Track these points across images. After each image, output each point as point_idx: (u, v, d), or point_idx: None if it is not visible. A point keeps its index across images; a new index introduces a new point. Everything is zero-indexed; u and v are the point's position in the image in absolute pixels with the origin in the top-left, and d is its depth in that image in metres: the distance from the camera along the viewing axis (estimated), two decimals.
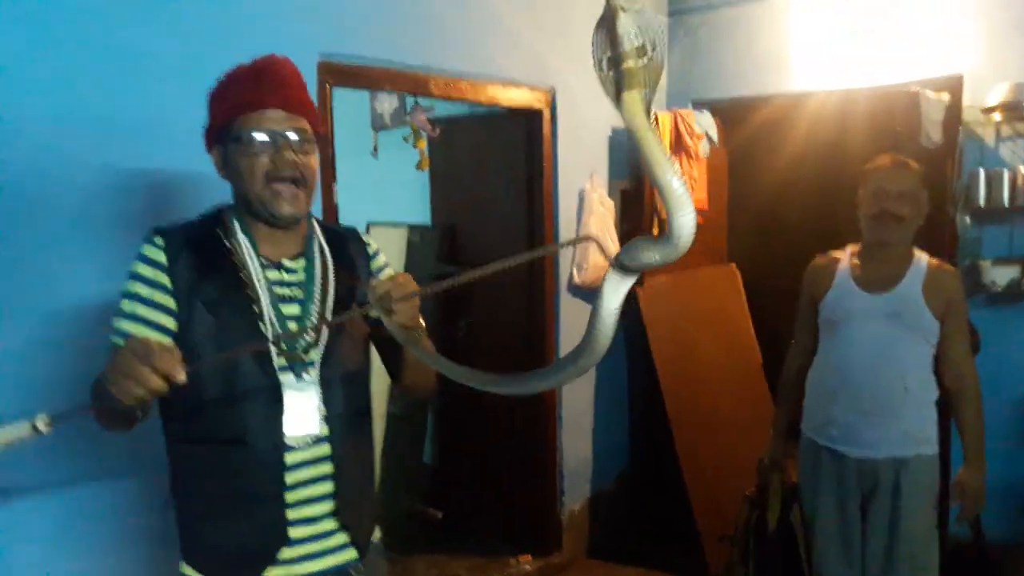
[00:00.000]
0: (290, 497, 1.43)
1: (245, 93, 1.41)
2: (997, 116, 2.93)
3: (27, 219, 1.96)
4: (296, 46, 2.41)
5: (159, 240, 1.43)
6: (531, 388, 1.20)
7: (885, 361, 2.25)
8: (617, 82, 1.01)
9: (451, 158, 3.89)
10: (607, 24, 1.02)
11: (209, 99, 1.46)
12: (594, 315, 1.09)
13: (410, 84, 2.91)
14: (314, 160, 1.46)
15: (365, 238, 1.66)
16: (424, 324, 1.47)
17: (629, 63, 0.99)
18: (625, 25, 0.99)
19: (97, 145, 2.05)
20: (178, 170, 2.17)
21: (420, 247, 4.00)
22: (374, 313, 1.34)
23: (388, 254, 1.74)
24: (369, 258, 1.63)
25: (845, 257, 2.41)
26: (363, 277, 1.59)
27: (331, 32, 2.58)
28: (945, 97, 3.03)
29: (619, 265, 1.07)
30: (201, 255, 1.44)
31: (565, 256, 3.56)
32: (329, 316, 1.49)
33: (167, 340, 1.35)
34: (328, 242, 1.57)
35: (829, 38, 3.51)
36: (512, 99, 3.27)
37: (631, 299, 3.76)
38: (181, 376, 1.13)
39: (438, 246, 3.93)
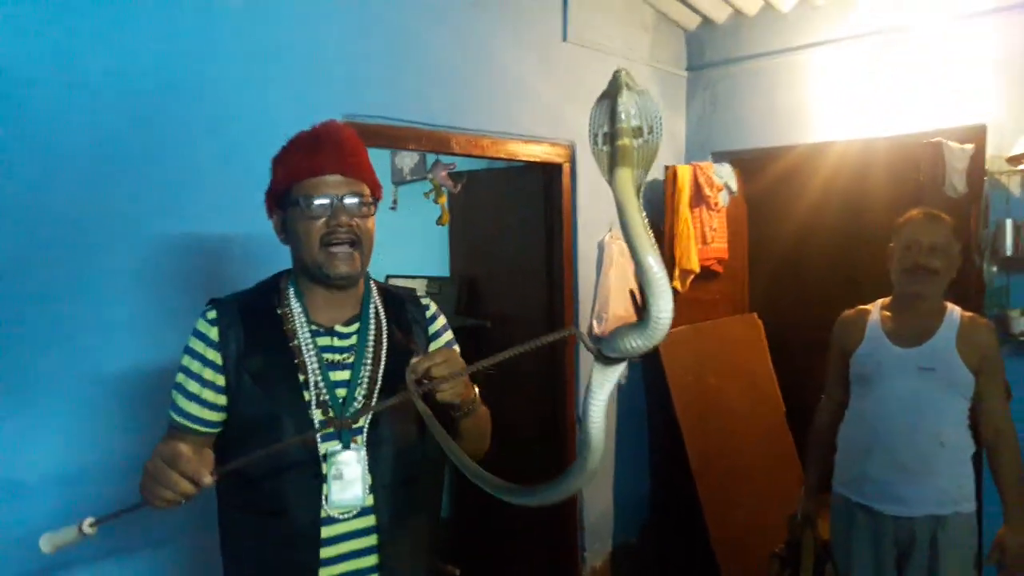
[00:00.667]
0: (327, 572, 1.41)
1: (304, 159, 1.43)
2: (1023, 166, 2.92)
3: (72, 281, 1.99)
4: (320, 106, 2.49)
5: (212, 314, 1.46)
6: (542, 499, 1.21)
7: (920, 416, 2.21)
8: (611, 157, 1.02)
9: (470, 209, 3.92)
10: (609, 98, 1.04)
11: (272, 163, 1.49)
12: (585, 416, 1.10)
13: (433, 142, 2.95)
14: (371, 223, 1.48)
15: (424, 300, 1.66)
16: (476, 390, 1.46)
17: (625, 140, 1.01)
18: (627, 103, 1.02)
19: (133, 208, 2.09)
20: (203, 232, 2.21)
21: (438, 299, 3.98)
22: (413, 394, 1.34)
23: None
24: (428, 321, 1.62)
25: (875, 310, 2.39)
26: (420, 340, 1.58)
27: (355, 92, 2.63)
28: (969, 147, 3.03)
29: (602, 357, 1.07)
30: (253, 325, 1.46)
31: (584, 307, 3.55)
32: (380, 381, 1.48)
33: (199, 440, 1.41)
34: (385, 304, 1.57)
35: (849, 90, 3.53)
36: (532, 154, 3.31)
37: (654, 349, 3.73)
38: (207, 480, 1.17)
39: (456, 298, 3.94)
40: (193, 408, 1.44)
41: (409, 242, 4.29)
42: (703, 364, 3.81)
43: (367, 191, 1.47)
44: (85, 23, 2.00)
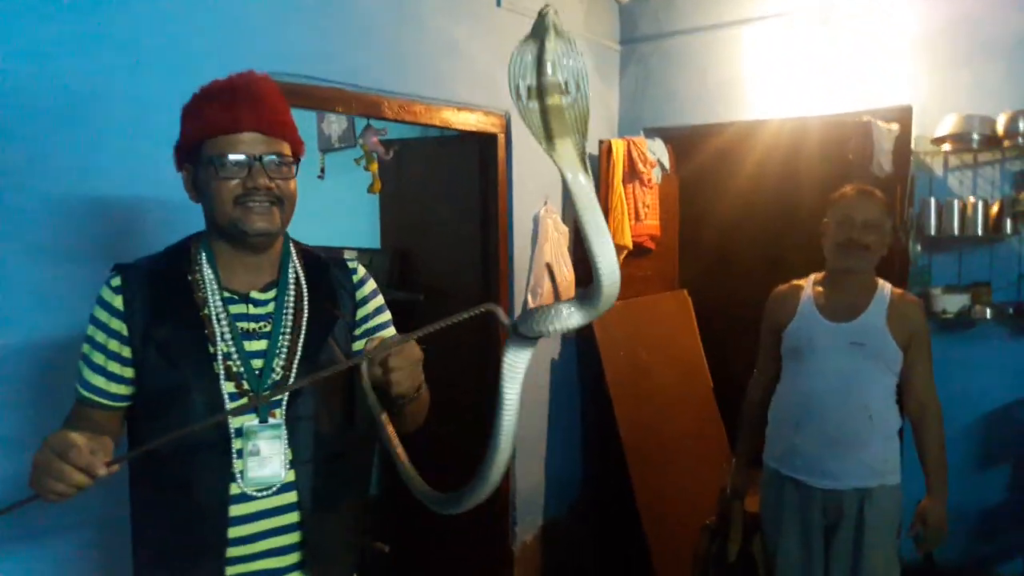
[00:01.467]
0: (237, 551, 1.33)
1: (218, 113, 1.31)
2: (946, 147, 3.00)
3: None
4: (241, 63, 2.31)
5: (116, 281, 1.36)
6: (464, 506, 1.22)
7: (849, 391, 2.25)
8: (545, 121, 0.94)
9: (402, 180, 3.81)
10: (534, 43, 0.94)
11: (182, 115, 1.37)
12: (499, 398, 1.05)
13: (363, 106, 2.82)
14: (293, 183, 1.38)
15: (351, 264, 1.56)
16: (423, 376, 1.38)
17: (554, 98, 0.92)
18: (554, 51, 0.92)
19: (35, 168, 1.92)
20: (114, 194, 2.06)
21: (369, 271, 3.88)
22: (366, 377, 1.26)
23: None
24: (355, 286, 1.53)
25: (808, 285, 2.41)
26: (345, 307, 1.49)
27: (279, 50, 2.48)
28: (895, 128, 3.10)
29: (518, 336, 1.03)
30: (160, 293, 1.36)
31: (519, 282, 3.50)
32: (300, 351, 1.39)
33: (105, 416, 1.36)
34: (307, 268, 1.47)
35: (781, 68, 3.56)
36: (467, 123, 3.22)
37: (587, 324, 3.72)
38: (101, 472, 1.09)
39: (388, 270, 3.83)
40: (99, 381, 1.35)
41: (337, 212, 4.14)
42: (635, 339, 3.82)
43: (288, 149, 1.37)
44: None
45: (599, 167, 3.74)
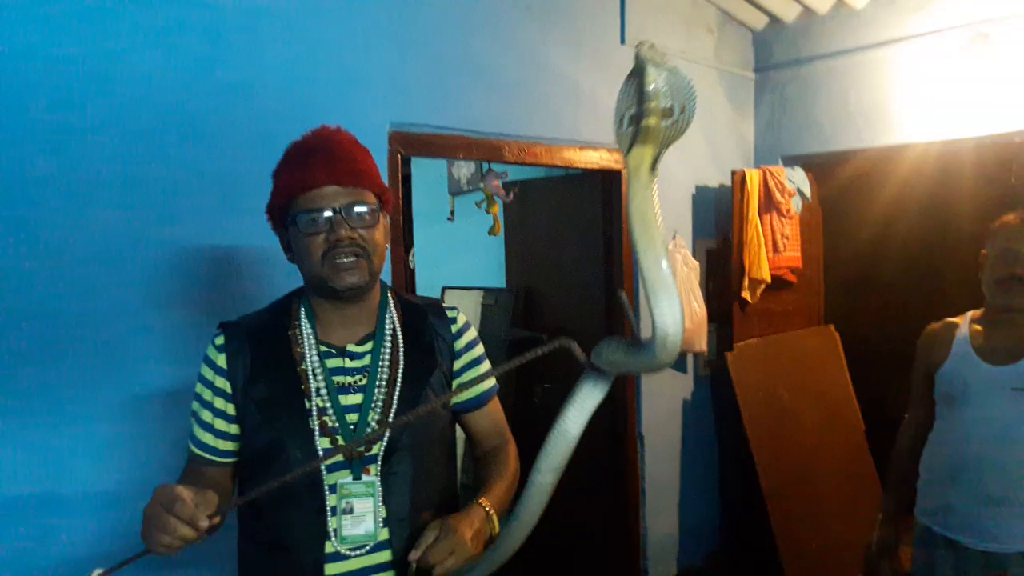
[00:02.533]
0: None
1: (296, 172, 1.35)
2: None
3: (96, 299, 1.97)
4: (366, 117, 2.43)
5: (219, 339, 1.40)
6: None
7: (1012, 442, 1.99)
8: (633, 137, 0.93)
9: (527, 220, 3.83)
10: (636, 79, 0.95)
11: (271, 178, 1.42)
12: (559, 425, 1.01)
13: (483, 151, 2.86)
14: (379, 231, 1.38)
15: (451, 313, 1.54)
16: (489, 508, 1.38)
17: (651, 121, 0.92)
18: (655, 83, 0.92)
19: (166, 219, 2.06)
20: (244, 245, 2.17)
21: (495, 311, 3.92)
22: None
23: None
24: (453, 336, 1.51)
25: (964, 324, 2.17)
26: (443, 356, 1.48)
27: (402, 101, 2.57)
28: None
29: (593, 368, 0.96)
30: (260, 350, 1.39)
31: (644, 319, 3.39)
32: (395, 404, 1.38)
33: (217, 473, 1.39)
34: (404, 318, 1.47)
35: (929, 89, 3.29)
36: (589, 161, 3.19)
37: (721, 362, 3.58)
38: (204, 524, 1.10)
39: (513, 309, 3.84)
40: (208, 438, 1.39)
41: (466, 253, 4.22)
42: (775, 379, 3.60)
43: (370, 198, 1.36)
44: (124, 21, 1.98)
45: (732, 198, 3.59)
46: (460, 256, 4.22)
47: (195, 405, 1.41)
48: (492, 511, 1.38)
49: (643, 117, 0.91)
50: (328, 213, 1.32)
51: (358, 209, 1.34)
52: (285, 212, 1.37)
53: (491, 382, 1.57)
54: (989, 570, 2.04)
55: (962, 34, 3.18)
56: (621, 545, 3.44)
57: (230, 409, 1.38)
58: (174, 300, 2.07)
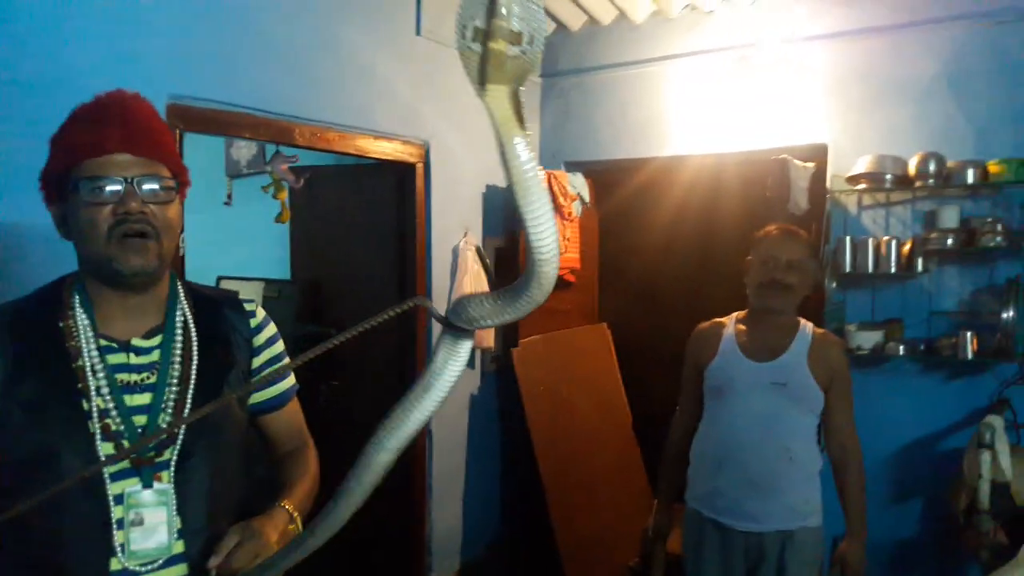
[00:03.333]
0: None
1: (84, 135, 1.17)
2: (861, 185, 3.05)
3: None
4: (143, 86, 2.15)
5: None
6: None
7: (770, 431, 2.21)
8: (482, 62, 0.83)
9: (315, 209, 3.66)
10: None
11: (49, 144, 1.22)
12: (426, 390, 0.95)
13: (272, 132, 2.69)
14: (172, 210, 1.23)
15: (248, 305, 1.42)
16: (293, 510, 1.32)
17: (499, 43, 0.82)
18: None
19: None
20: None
21: (278, 304, 3.70)
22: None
23: None
24: (252, 331, 1.39)
25: (730, 324, 2.38)
26: (241, 353, 1.35)
27: (184, 73, 2.34)
28: (810, 166, 3.15)
29: (452, 328, 0.92)
30: (25, 343, 1.19)
31: (439, 298, 3.39)
32: (189, 403, 1.24)
33: None
34: (197, 310, 1.32)
35: (701, 104, 3.60)
36: (384, 151, 3.11)
37: (506, 358, 3.66)
38: None
39: (299, 303, 3.65)
40: None
41: (245, 241, 3.95)
42: (555, 374, 3.75)
43: (166, 172, 1.22)
44: None
45: None
46: (239, 244, 3.93)
47: None
48: (296, 513, 1.31)
49: (491, 36, 0.81)
50: (117, 184, 1.16)
51: (151, 184, 1.19)
52: (65, 179, 1.18)
53: (290, 382, 1.48)
54: (749, 547, 2.26)
55: (726, 55, 3.50)
56: (407, 541, 3.41)
57: None
58: None
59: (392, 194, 3.35)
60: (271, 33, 2.61)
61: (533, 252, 0.81)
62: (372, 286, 3.47)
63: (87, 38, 2.10)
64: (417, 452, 3.38)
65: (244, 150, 3.84)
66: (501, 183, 3.81)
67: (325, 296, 3.67)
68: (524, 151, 0.81)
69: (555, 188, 3.74)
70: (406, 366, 3.36)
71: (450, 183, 3.45)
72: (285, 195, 3.20)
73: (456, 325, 0.91)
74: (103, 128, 1.17)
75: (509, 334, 3.70)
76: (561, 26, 3.94)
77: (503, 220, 3.83)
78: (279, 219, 3.25)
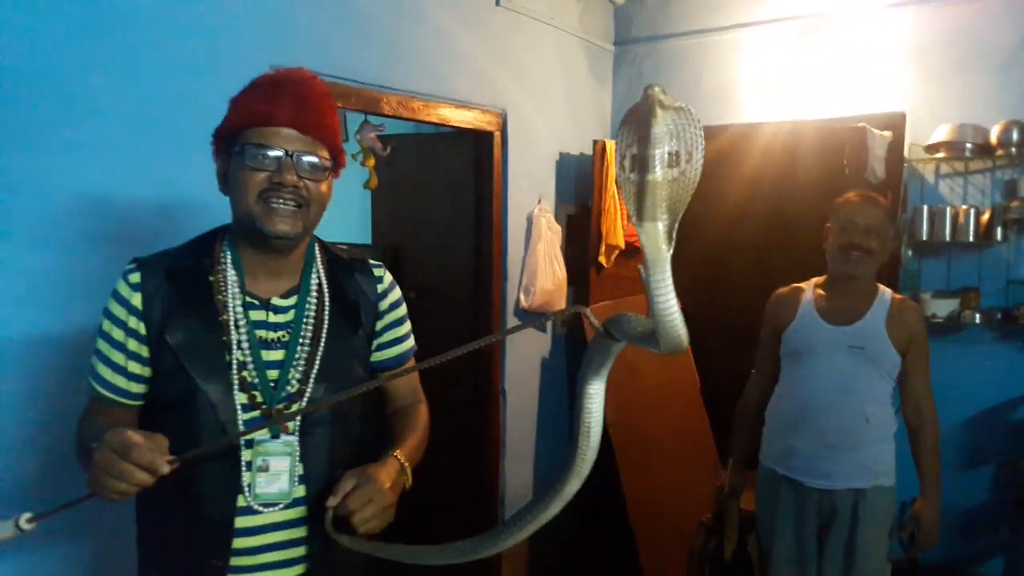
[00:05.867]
0: (241, 561, 1.31)
1: (258, 103, 1.28)
2: (940, 154, 3.04)
3: None
4: (244, 55, 2.31)
5: (134, 276, 1.31)
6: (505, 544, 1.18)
7: (847, 394, 2.28)
8: (639, 194, 0.89)
9: (396, 176, 3.78)
10: (641, 119, 0.88)
11: (229, 103, 1.34)
12: (582, 399, 1.05)
13: (362, 101, 2.80)
14: (324, 185, 1.34)
15: (376, 270, 1.51)
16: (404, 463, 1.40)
17: (655, 174, 0.87)
18: (661, 125, 0.87)
19: (34, 165, 1.88)
20: (114, 192, 2.02)
21: None
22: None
23: None
24: (379, 295, 1.49)
25: (809, 289, 2.44)
26: (367, 316, 1.46)
27: (281, 43, 2.45)
28: (888, 134, 3.14)
29: (607, 335, 1.03)
30: (180, 292, 1.31)
31: (512, 280, 3.50)
32: (317, 363, 1.36)
33: (127, 415, 1.33)
34: (331, 274, 1.43)
35: (776, 71, 3.60)
36: (464, 120, 3.21)
37: (577, 324, 3.76)
38: (165, 469, 1.08)
39: None
40: (120, 381, 1.31)
41: (331, 206, 4.10)
42: None
43: (325, 153, 1.33)
44: None
45: (593, 168, 3.75)
46: None
47: (102, 345, 1.32)
48: (407, 463, 1.40)
49: (647, 167, 0.87)
50: (279, 152, 1.27)
51: (310, 159, 1.30)
52: (233, 140, 1.30)
53: (410, 343, 1.57)
54: (822, 504, 2.34)
55: (803, 23, 3.49)
56: (481, 494, 3.56)
57: (144, 351, 1.31)
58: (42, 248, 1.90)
59: (469, 162, 3.45)
60: (358, 3, 2.71)
61: (664, 337, 0.94)
62: (450, 252, 3.59)
63: (190, 2, 2.21)
64: (493, 412, 3.52)
65: None
66: (574, 151, 3.87)
67: (404, 260, 3.81)
68: (666, 275, 0.91)
69: None
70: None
71: (525, 151, 3.53)
72: (373, 162, 3.33)
73: (610, 333, 1.03)
74: (277, 99, 1.27)
75: (580, 299, 3.79)
76: None
77: (575, 188, 3.90)
78: (367, 185, 3.38)
